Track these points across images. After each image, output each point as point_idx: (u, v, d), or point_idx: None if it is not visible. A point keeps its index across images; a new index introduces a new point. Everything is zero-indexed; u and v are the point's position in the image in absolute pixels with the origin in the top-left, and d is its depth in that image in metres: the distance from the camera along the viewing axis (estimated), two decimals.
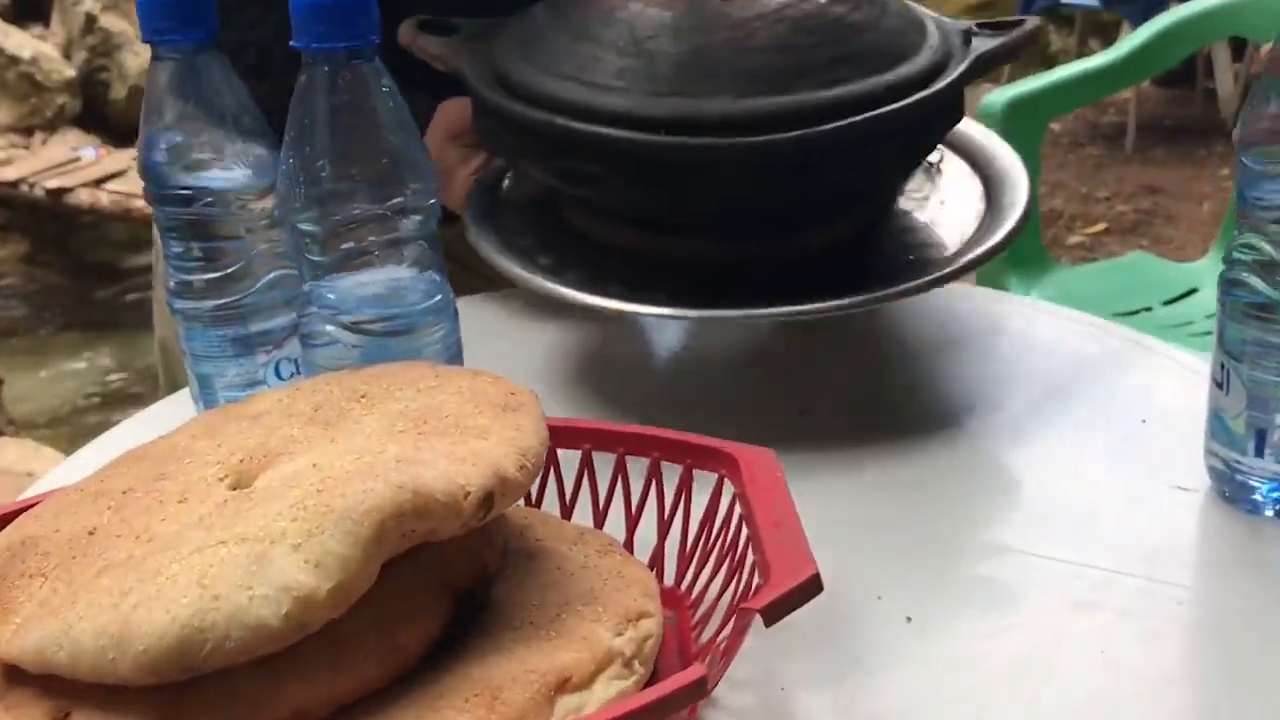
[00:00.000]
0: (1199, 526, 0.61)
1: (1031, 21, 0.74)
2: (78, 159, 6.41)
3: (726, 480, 0.52)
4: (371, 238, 0.58)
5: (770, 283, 0.69)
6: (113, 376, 4.77)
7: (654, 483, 0.54)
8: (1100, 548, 0.58)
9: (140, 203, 5.44)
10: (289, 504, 0.41)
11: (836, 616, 0.52)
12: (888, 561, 0.58)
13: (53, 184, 5.62)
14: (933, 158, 0.82)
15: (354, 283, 0.59)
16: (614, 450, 0.55)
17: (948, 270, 0.69)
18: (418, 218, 0.59)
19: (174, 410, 0.75)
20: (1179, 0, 3.94)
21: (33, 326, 5.17)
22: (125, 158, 5.73)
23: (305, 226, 0.58)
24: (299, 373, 0.68)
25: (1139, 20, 3.78)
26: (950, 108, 0.73)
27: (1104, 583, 0.55)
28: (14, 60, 5.77)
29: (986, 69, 0.72)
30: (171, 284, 0.67)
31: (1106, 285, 1.81)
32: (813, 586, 0.42)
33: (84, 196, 5.59)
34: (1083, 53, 4.65)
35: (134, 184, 5.45)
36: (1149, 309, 1.73)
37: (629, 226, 0.75)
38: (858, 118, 0.67)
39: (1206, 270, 1.80)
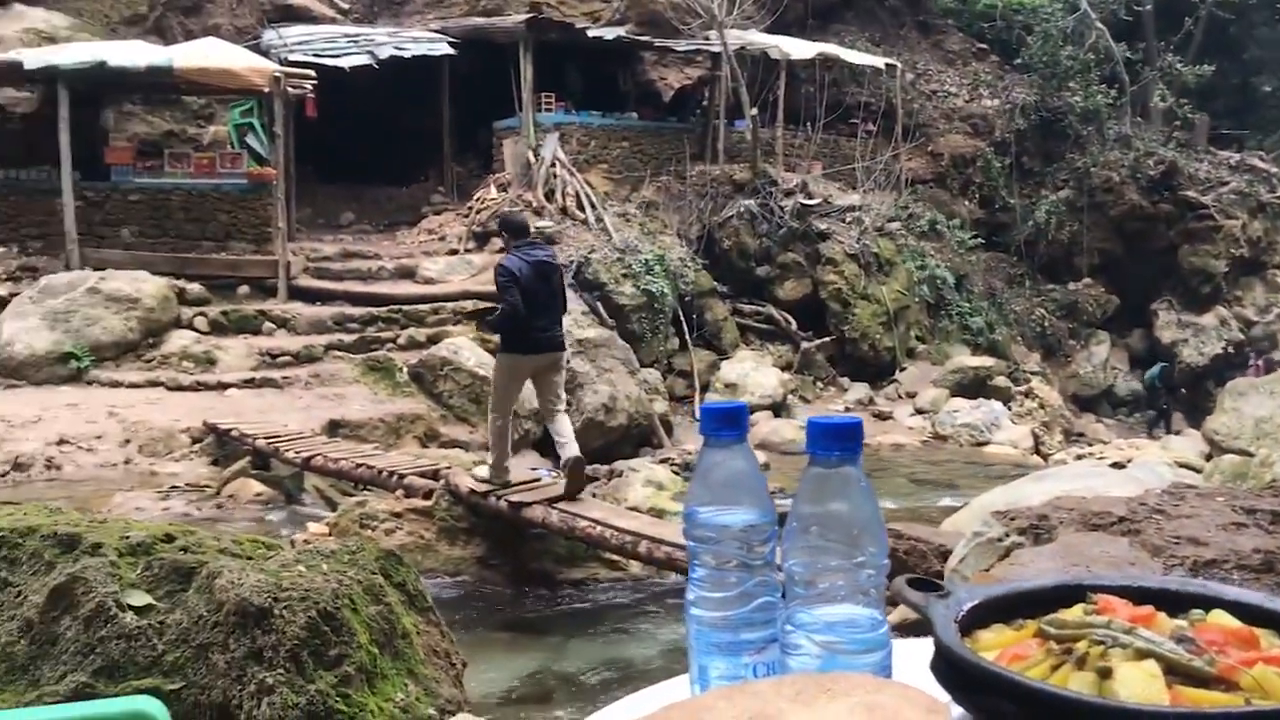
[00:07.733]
0: None
1: None
2: (538, 478, 7.29)
3: None
4: (840, 581, 0.84)
5: None
6: (538, 675, 5.24)
7: None
8: None
9: (583, 523, 6.10)
10: None
11: None
12: None
13: (515, 498, 6.42)
14: None
15: (825, 612, 0.85)
16: None
17: None
18: (871, 572, 0.85)
19: (669, 691, 1.02)
20: None
21: (473, 624, 5.75)
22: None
23: (795, 568, 0.85)
24: (770, 673, 0.94)
25: None
26: None
27: None
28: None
29: None
30: (690, 596, 0.96)
31: None
32: None
33: (537, 512, 6.33)
34: None
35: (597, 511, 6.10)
36: None
37: None
38: None
39: None
